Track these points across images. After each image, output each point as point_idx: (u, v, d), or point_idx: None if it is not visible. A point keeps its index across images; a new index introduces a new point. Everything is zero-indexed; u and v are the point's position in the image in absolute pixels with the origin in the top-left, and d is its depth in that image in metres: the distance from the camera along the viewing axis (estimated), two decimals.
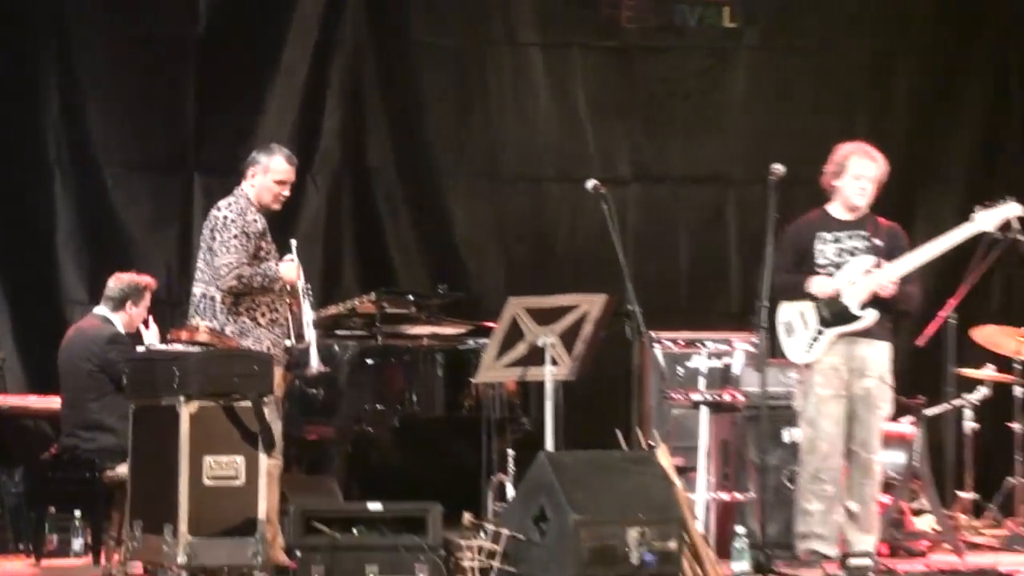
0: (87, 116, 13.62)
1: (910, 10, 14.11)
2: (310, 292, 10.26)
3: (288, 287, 10.06)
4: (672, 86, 13.98)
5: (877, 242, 10.12)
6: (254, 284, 9.82)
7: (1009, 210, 10.12)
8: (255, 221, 9.92)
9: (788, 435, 10.74)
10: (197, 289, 9.99)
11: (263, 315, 9.93)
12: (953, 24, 14.11)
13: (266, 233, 9.98)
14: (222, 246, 9.81)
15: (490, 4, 13.92)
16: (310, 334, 10.14)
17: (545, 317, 9.93)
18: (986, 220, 10.12)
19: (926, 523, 11.16)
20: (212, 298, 9.93)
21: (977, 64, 14.24)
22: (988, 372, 11.98)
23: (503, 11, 13.89)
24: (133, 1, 13.67)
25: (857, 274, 10.00)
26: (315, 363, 10.16)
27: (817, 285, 9.98)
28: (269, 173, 9.97)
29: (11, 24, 13.44)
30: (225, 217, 9.87)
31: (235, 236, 9.83)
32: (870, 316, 9.95)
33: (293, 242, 10.18)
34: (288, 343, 10.08)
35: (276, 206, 10.06)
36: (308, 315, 10.15)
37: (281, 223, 10.54)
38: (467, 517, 9.98)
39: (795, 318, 10.10)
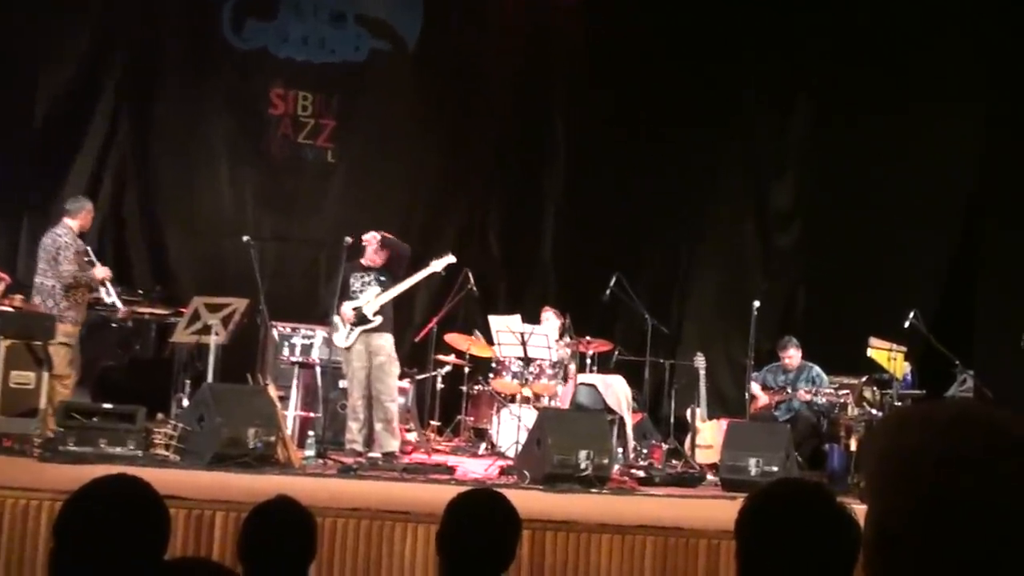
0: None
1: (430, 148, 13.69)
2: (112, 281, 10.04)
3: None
4: (298, 188, 13.49)
5: (382, 279, 9.93)
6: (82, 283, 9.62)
7: (447, 259, 10.19)
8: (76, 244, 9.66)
9: (342, 383, 10.36)
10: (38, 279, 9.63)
11: (71, 296, 9.53)
12: (438, 153, 13.72)
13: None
14: (64, 260, 9.50)
15: (203, 138, 13.18)
16: (113, 297, 10.03)
17: (214, 309, 9.61)
18: (436, 265, 10.16)
19: (412, 436, 10.95)
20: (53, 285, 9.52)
21: (463, 184, 13.90)
22: (450, 358, 11.83)
23: (210, 141, 13.17)
24: None
25: (371, 297, 9.84)
26: (120, 305, 10.23)
27: (343, 309, 9.80)
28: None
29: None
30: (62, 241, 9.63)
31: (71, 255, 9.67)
32: (378, 320, 9.79)
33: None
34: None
35: None
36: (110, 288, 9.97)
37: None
38: (160, 415, 9.67)
39: (339, 321, 9.85)
